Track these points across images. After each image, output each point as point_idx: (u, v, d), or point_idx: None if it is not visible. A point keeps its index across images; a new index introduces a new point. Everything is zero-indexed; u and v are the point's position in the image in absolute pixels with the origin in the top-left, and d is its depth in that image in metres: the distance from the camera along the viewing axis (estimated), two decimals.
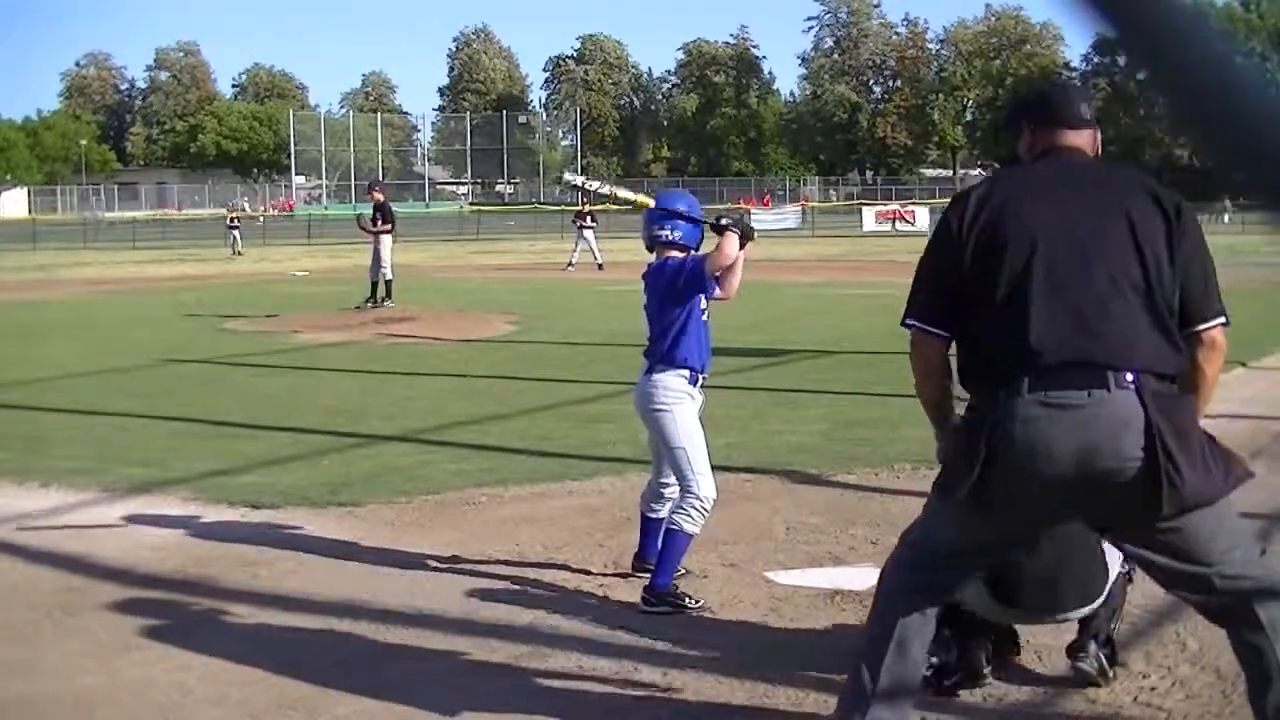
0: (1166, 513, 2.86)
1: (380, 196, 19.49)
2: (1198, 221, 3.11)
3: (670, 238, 5.03)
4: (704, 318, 5.03)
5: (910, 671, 3.19)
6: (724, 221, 4.94)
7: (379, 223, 18.52)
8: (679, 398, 4.93)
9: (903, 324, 3.26)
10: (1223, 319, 3.08)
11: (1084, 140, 3.23)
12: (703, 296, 5.00)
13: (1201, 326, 3.04)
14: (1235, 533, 3.01)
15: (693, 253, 5.07)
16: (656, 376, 4.96)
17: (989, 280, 3.03)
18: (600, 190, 5.36)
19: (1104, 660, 3.92)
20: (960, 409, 3.26)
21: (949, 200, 3.28)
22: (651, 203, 5.09)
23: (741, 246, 4.94)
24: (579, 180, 5.43)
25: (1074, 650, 3.93)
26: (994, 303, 3.02)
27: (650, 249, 5.13)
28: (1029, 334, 2.96)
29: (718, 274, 4.97)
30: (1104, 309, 2.96)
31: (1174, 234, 3.01)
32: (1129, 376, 2.91)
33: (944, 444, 3.27)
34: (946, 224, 3.17)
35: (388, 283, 18.52)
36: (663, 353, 4.96)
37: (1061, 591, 3.84)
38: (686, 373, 4.95)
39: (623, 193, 5.24)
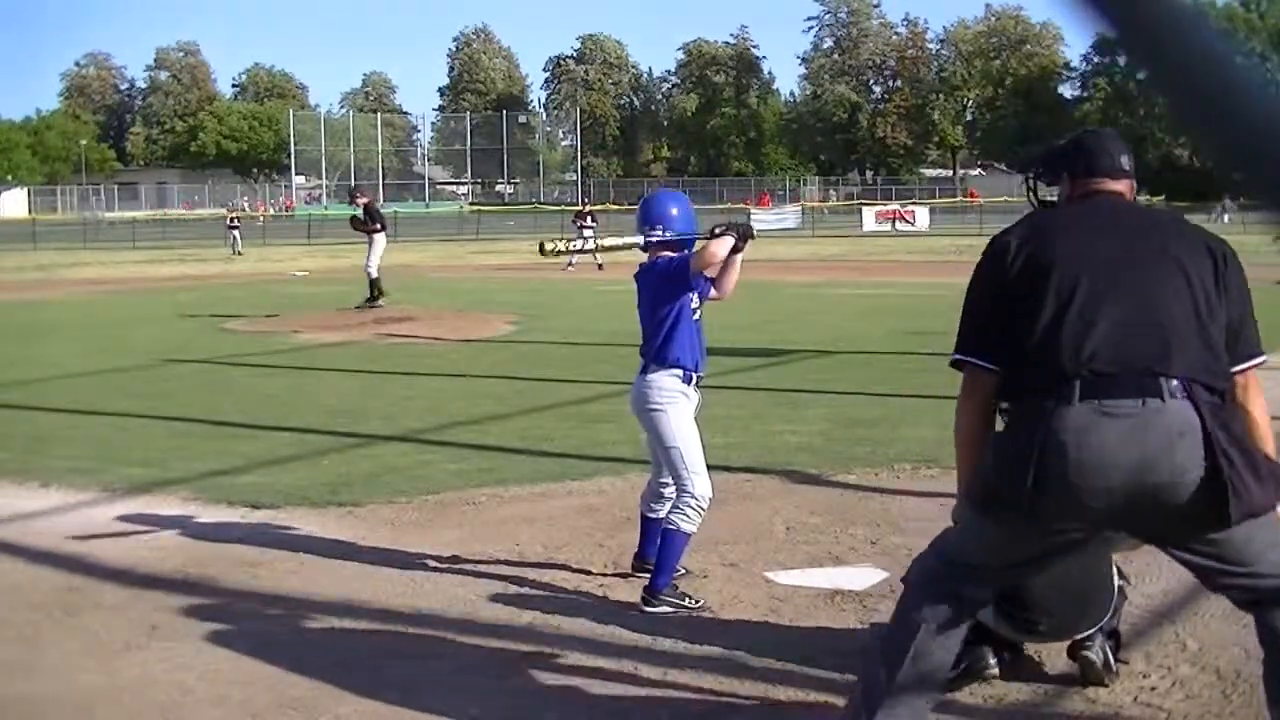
0: (1235, 523, 2.82)
1: (364, 200, 19.51)
2: (1242, 266, 3.13)
3: (662, 238, 5.04)
4: (696, 318, 5.03)
5: (927, 676, 3.14)
6: (717, 230, 4.94)
7: (369, 223, 18.58)
8: (673, 397, 4.93)
9: (952, 362, 3.23)
10: (1262, 357, 3.12)
11: (1122, 188, 3.28)
12: (695, 296, 4.99)
13: (1241, 366, 3.07)
14: (1274, 533, 2.98)
15: (685, 252, 5.07)
16: (650, 377, 4.96)
17: (1035, 300, 3.02)
18: (585, 249, 5.33)
19: (1109, 652, 3.93)
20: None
21: (991, 239, 3.28)
22: (641, 240, 5.08)
23: (739, 249, 4.94)
24: (561, 245, 5.32)
25: (1078, 643, 3.94)
26: (1041, 319, 3.01)
27: (644, 249, 5.13)
28: (1079, 342, 2.94)
29: (707, 273, 4.97)
30: (1153, 322, 2.96)
31: (1220, 274, 3.05)
32: (1180, 385, 2.89)
33: (972, 481, 3.18)
34: (990, 256, 3.18)
35: (372, 282, 18.52)
36: (654, 352, 4.96)
37: (1076, 618, 3.89)
38: (680, 372, 4.95)
39: (608, 242, 5.21)
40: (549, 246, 5.21)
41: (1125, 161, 3.30)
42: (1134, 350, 2.93)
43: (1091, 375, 2.91)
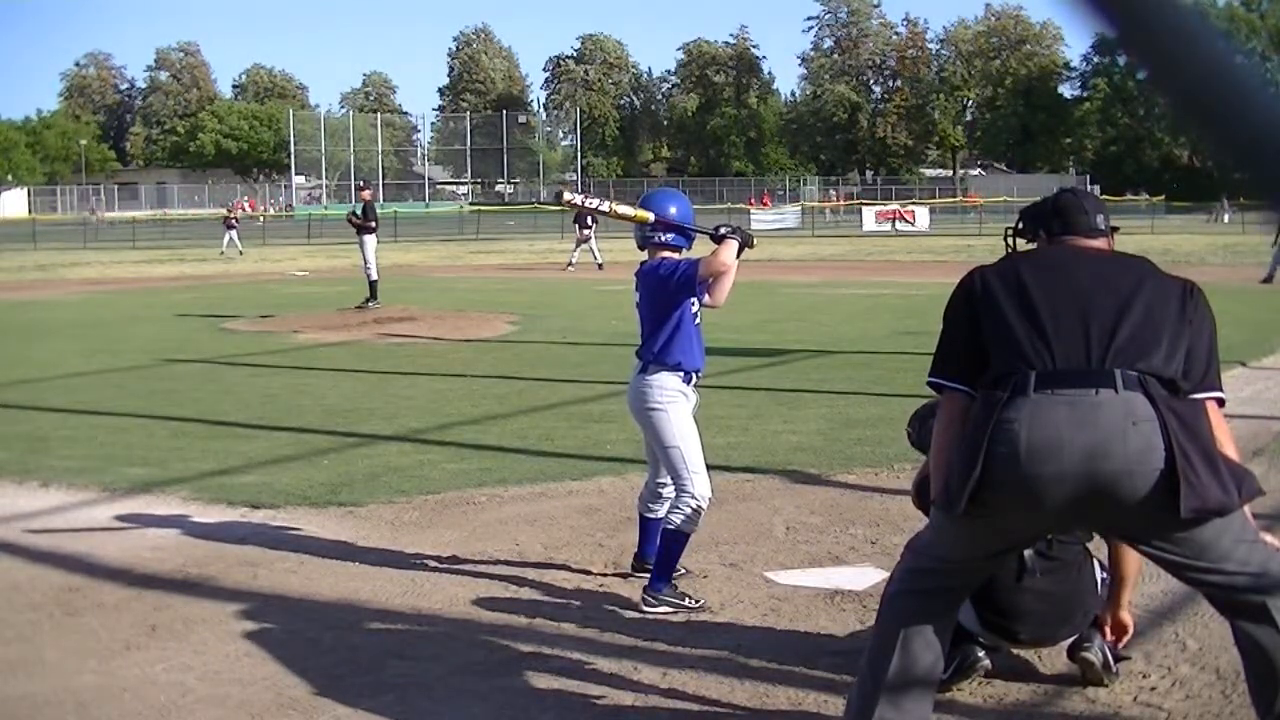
0: (1185, 515, 2.83)
1: (367, 195, 19.67)
2: (1209, 306, 3.17)
3: (663, 239, 5.03)
4: (696, 321, 5.02)
5: (918, 678, 3.16)
6: (723, 230, 4.94)
7: (364, 219, 18.62)
8: (673, 397, 4.93)
9: (928, 382, 3.31)
10: (1219, 394, 3.12)
11: (1099, 245, 3.36)
12: (695, 300, 4.99)
13: (1198, 396, 3.06)
14: (1243, 531, 2.99)
15: (685, 253, 5.07)
16: (650, 377, 4.96)
17: (1000, 316, 3.11)
18: (599, 208, 5.30)
19: (1108, 653, 3.93)
20: None
21: (965, 274, 3.36)
22: (651, 217, 5.06)
23: (739, 254, 4.93)
24: (578, 199, 5.37)
25: (1077, 644, 3.94)
26: (1003, 328, 3.09)
27: (642, 248, 5.13)
28: (1035, 341, 3.02)
29: (710, 279, 4.96)
30: (1113, 325, 3.02)
31: (1186, 307, 3.10)
32: (1136, 379, 2.93)
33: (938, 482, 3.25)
34: (962, 287, 3.27)
35: (372, 283, 18.54)
36: (655, 354, 4.95)
37: (1058, 626, 3.90)
38: (680, 374, 4.95)
39: (621, 209, 5.18)
40: (567, 196, 5.33)
41: (1101, 221, 3.39)
42: (1091, 348, 2.99)
43: (1047, 368, 2.97)
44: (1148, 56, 1.01)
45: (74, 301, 22.16)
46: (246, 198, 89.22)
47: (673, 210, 5.06)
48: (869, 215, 51.48)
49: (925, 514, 3.47)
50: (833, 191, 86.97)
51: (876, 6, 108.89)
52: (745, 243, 4.93)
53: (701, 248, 4.98)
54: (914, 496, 3.78)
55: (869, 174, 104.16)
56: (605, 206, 5.25)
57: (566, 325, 16.14)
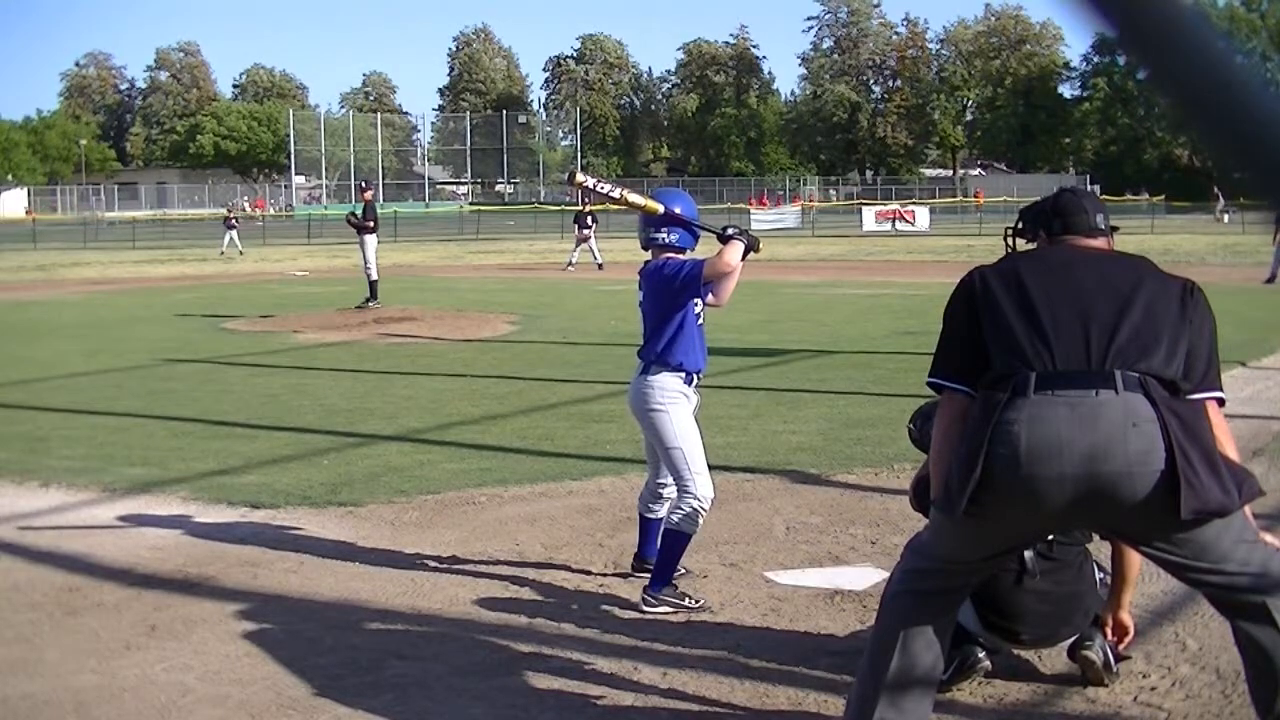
0: (1185, 516, 2.83)
1: (368, 196, 19.64)
2: (1209, 305, 3.17)
3: (667, 240, 5.03)
4: (699, 322, 5.03)
5: (918, 678, 3.17)
6: (730, 231, 4.93)
7: (364, 219, 18.60)
8: (675, 398, 4.93)
9: (927, 382, 3.31)
10: (1219, 394, 3.11)
11: (1098, 245, 3.36)
12: (698, 300, 5.00)
13: (1198, 396, 3.05)
14: (1243, 531, 2.99)
15: (690, 253, 5.07)
16: (652, 377, 4.96)
17: (1000, 315, 3.11)
18: (611, 193, 5.30)
19: (1109, 652, 3.93)
20: None
21: (965, 274, 3.36)
22: (660, 208, 5.05)
23: (744, 257, 4.93)
24: (590, 181, 5.35)
25: (1078, 643, 3.95)
26: (1003, 327, 3.09)
27: (646, 248, 5.13)
28: (1034, 341, 3.01)
29: (714, 279, 4.97)
30: (1113, 325, 3.02)
31: (1187, 307, 3.10)
32: (1136, 380, 2.93)
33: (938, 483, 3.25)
34: (962, 286, 3.26)
35: (372, 283, 18.54)
36: (658, 354, 4.95)
37: (1058, 626, 3.91)
38: (682, 374, 4.95)
39: (632, 197, 5.18)
40: (579, 178, 5.24)
41: (1101, 220, 3.39)
42: (1091, 349, 2.98)
43: (1047, 370, 2.97)
44: (1148, 56, 1.01)
45: (74, 301, 22.16)
46: (248, 198, 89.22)
47: (677, 210, 5.07)
48: (869, 215, 51.43)
49: (923, 515, 3.47)
50: (832, 191, 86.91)
51: (876, 6, 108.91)
52: (751, 245, 4.92)
53: (705, 249, 4.98)
54: (911, 497, 3.78)
55: (869, 174, 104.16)
56: (616, 193, 5.23)
57: (566, 325, 16.14)
